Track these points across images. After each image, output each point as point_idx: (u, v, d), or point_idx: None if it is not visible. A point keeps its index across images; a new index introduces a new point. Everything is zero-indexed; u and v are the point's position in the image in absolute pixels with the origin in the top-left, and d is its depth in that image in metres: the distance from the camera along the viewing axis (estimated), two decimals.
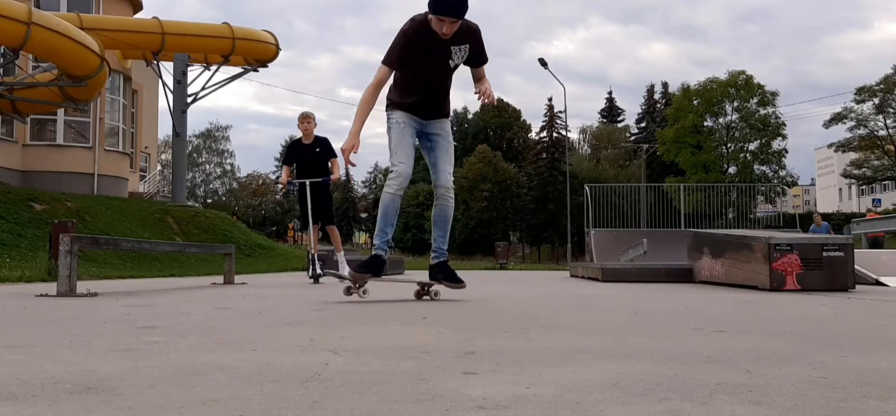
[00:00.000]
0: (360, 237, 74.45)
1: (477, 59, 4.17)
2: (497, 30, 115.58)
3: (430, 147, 4.26)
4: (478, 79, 4.25)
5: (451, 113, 4.41)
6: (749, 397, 1.39)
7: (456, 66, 4.13)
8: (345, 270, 7.95)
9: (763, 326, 2.96)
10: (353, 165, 4.11)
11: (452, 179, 4.28)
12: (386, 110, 4.23)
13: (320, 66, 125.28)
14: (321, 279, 7.61)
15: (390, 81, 4.17)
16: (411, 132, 4.16)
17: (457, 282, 4.30)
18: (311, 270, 7.76)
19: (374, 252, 4.19)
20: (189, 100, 23.96)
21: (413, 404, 1.32)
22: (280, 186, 8.39)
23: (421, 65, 4.06)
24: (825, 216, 21.25)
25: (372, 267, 4.12)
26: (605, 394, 1.41)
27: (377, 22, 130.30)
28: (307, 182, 7.71)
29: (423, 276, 4.66)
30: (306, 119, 8.00)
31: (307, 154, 7.95)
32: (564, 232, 35.92)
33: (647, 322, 3.10)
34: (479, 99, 4.24)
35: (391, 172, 4.10)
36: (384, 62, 4.04)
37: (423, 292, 4.39)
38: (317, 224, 8.00)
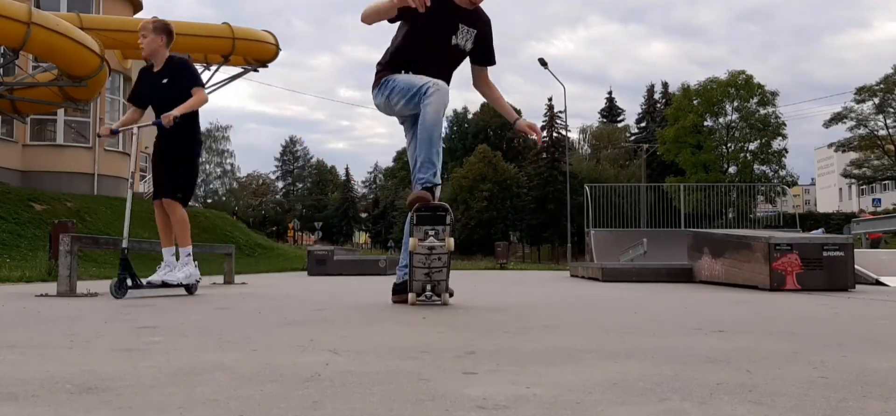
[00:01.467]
0: (360, 237, 74.38)
1: (482, 52, 3.81)
2: (496, 29, 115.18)
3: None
4: (484, 84, 3.91)
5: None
6: (749, 397, 1.39)
7: (456, 49, 3.72)
8: (179, 273, 5.17)
9: (763, 326, 2.96)
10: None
11: None
12: (383, 78, 3.72)
13: (319, 65, 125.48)
14: (129, 291, 4.88)
15: (387, 49, 3.77)
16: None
17: None
18: (122, 274, 4.84)
19: (421, 185, 3.48)
20: None
21: (413, 404, 1.32)
22: (100, 135, 5.00)
23: (422, 27, 3.60)
24: (825, 216, 21.23)
25: (433, 203, 3.47)
26: (605, 394, 1.41)
27: None
28: (136, 128, 5.01)
29: None
30: (144, 30, 5.06)
31: (154, 86, 5.05)
32: (564, 232, 35.93)
33: (647, 322, 3.10)
34: (524, 133, 3.91)
35: (429, 88, 3.47)
36: None
37: (426, 297, 3.80)
38: (159, 200, 5.24)
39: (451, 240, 3.45)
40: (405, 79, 3.61)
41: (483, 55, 3.82)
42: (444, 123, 3.90)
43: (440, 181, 3.59)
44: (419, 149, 3.51)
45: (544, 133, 58.77)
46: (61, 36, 14.82)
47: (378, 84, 3.74)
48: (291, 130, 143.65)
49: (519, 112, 4.37)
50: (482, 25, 3.75)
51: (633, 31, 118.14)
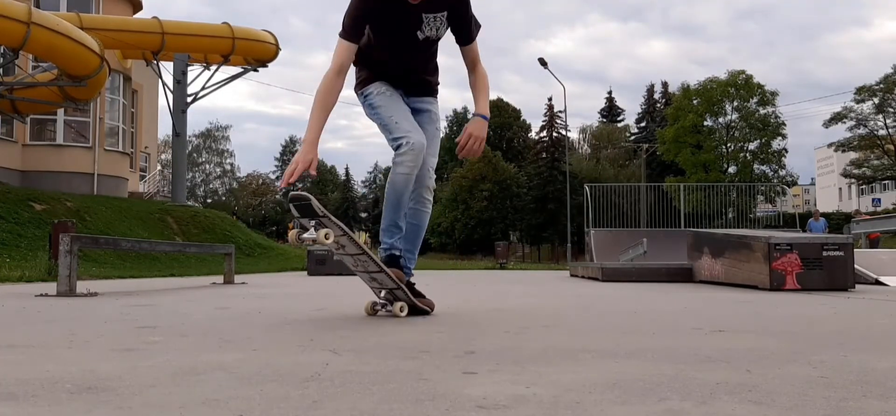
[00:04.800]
0: (360, 237, 74.39)
1: (458, 34, 3.21)
2: (495, 27, 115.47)
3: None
4: (467, 65, 3.31)
5: (439, 93, 3.46)
6: (749, 397, 1.39)
7: (427, 42, 3.19)
8: None
9: (763, 326, 2.96)
10: (315, 174, 3.00)
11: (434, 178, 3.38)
12: (357, 90, 3.31)
13: (317, 64, 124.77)
14: None
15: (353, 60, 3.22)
16: (401, 97, 3.24)
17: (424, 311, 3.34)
18: None
19: (386, 252, 3.22)
20: (189, 100, 23.97)
21: (413, 404, 1.32)
22: None
23: (385, 37, 3.16)
24: (825, 216, 21.22)
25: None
26: (605, 394, 1.41)
27: None
28: None
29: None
30: None
31: None
32: (564, 232, 35.93)
33: (647, 322, 3.10)
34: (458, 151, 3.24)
35: (401, 146, 3.10)
36: (342, 35, 3.08)
37: (381, 306, 3.34)
38: None
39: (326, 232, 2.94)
40: (385, 112, 3.19)
41: (457, 34, 3.24)
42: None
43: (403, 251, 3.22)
44: (385, 211, 3.21)
45: (544, 133, 58.80)
46: (61, 36, 14.82)
47: (358, 90, 3.36)
48: (290, 130, 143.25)
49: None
50: (452, 5, 3.13)
51: (632, 29, 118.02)
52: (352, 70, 3.24)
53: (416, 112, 3.30)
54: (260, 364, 1.78)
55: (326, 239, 2.85)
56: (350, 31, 3.07)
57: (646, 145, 50.15)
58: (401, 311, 3.16)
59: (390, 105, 3.20)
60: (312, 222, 2.92)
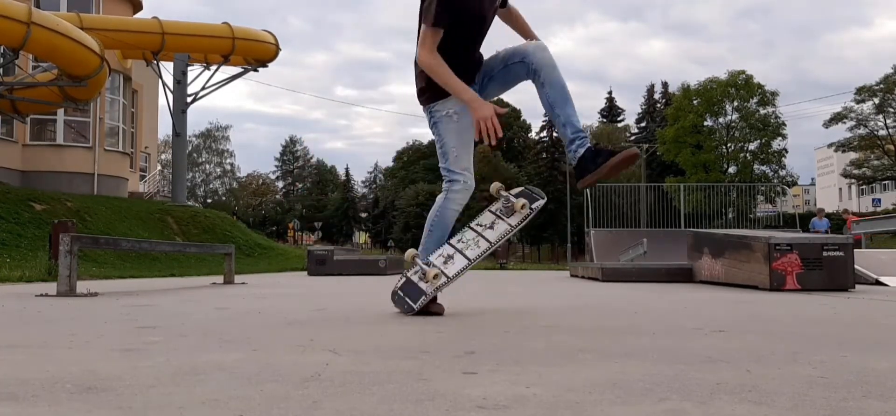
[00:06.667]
0: (361, 237, 74.38)
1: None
2: (495, 26, 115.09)
3: (490, 71, 3.33)
4: (508, 17, 3.52)
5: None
6: (749, 397, 1.39)
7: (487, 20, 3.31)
8: None
9: (763, 326, 2.96)
10: (500, 137, 3.02)
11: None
12: (423, 102, 3.31)
13: (315, 64, 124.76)
14: None
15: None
16: (471, 125, 3.17)
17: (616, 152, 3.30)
18: None
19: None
20: (189, 100, 23.98)
21: (413, 404, 1.32)
22: None
23: (462, 26, 3.15)
24: (827, 216, 21.21)
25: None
26: (605, 394, 1.41)
27: (372, 19, 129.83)
28: None
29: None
30: None
31: None
32: (564, 232, 35.97)
33: (647, 322, 3.10)
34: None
35: (456, 183, 3.24)
36: (430, 23, 3.03)
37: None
38: None
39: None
40: (450, 143, 3.25)
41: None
42: None
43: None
44: (428, 240, 3.29)
45: (544, 133, 58.81)
46: (61, 36, 14.82)
47: (425, 103, 3.33)
48: (289, 130, 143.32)
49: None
50: None
51: (632, 29, 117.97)
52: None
53: (484, 77, 3.35)
54: (260, 364, 1.78)
55: (522, 208, 3.48)
56: (439, 15, 3.04)
57: (646, 145, 50.15)
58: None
59: (459, 133, 3.25)
60: (518, 192, 3.56)
